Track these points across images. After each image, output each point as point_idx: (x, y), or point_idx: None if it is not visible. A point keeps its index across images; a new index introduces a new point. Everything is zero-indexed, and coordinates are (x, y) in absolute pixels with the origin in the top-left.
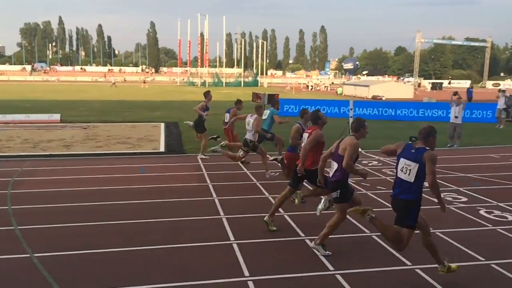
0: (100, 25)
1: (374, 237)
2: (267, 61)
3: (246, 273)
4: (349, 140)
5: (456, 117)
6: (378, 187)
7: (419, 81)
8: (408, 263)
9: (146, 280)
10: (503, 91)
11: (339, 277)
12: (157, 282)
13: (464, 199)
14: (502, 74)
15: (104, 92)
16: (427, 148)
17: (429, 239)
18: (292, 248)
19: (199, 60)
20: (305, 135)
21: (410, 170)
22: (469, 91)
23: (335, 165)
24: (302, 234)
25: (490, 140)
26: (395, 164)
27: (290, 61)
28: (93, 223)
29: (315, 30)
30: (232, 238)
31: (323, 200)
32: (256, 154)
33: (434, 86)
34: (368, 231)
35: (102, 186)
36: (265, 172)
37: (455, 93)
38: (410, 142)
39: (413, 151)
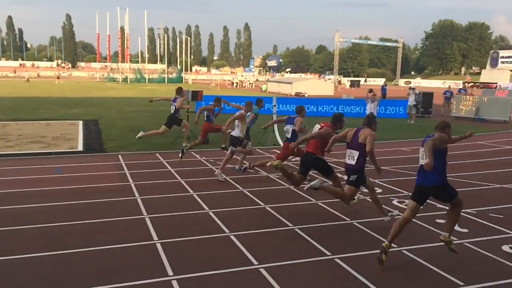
0: (10, 17)
1: (297, 230)
2: (192, 57)
3: (170, 272)
4: (368, 131)
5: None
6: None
7: (339, 79)
8: (328, 253)
9: (67, 286)
10: (413, 88)
11: (263, 271)
12: None
13: (380, 190)
14: (412, 73)
15: (15, 89)
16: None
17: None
18: (216, 244)
19: (119, 55)
20: (318, 126)
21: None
22: (383, 89)
23: (355, 153)
24: (226, 230)
25: (402, 134)
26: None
27: (215, 58)
28: (4, 228)
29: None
30: (155, 237)
31: (317, 180)
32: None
33: (353, 84)
34: (291, 224)
35: (13, 188)
36: (236, 166)
37: (370, 91)
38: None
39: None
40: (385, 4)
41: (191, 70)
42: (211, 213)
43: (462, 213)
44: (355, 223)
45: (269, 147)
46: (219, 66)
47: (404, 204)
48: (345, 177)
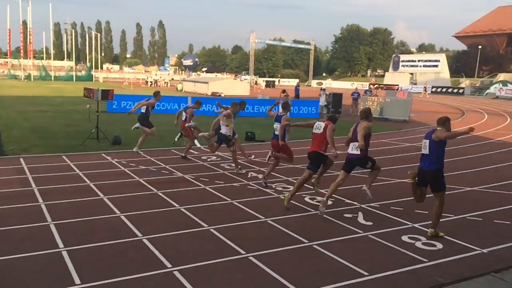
0: None
1: (212, 230)
2: (102, 54)
3: (77, 281)
4: (365, 123)
5: None
6: (216, 181)
7: (256, 79)
8: (242, 251)
9: None
10: (324, 89)
11: (177, 274)
12: None
13: (292, 188)
14: (324, 74)
15: None
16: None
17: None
18: (128, 249)
19: (22, 51)
20: (322, 124)
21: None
22: (296, 89)
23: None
24: (139, 234)
25: None
26: (231, 159)
27: (128, 56)
28: None
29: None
30: (61, 245)
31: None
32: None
33: (268, 84)
34: (206, 225)
35: None
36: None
37: (283, 91)
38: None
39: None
40: (298, 7)
41: (102, 67)
42: (122, 217)
43: (367, 207)
44: (269, 221)
45: (184, 148)
46: (132, 64)
47: (315, 200)
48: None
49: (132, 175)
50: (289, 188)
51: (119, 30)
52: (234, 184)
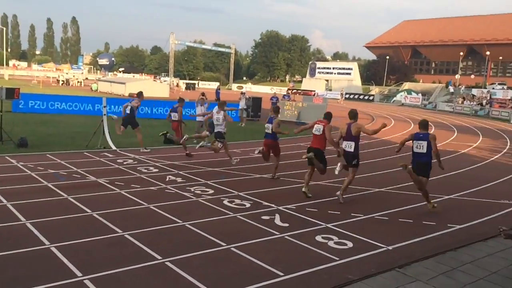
0: None
1: (127, 236)
2: (9, 50)
3: None
4: (357, 124)
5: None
6: (133, 185)
7: (177, 82)
8: (159, 257)
9: None
10: (244, 93)
11: (88, 282)
12: None
13: (211, 191)
14: (244, 78)
15: None
16: (429, 133)
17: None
18: (35, 259)
19: None
20: (320, 126)
21: (422, 146)
22: (217, 92)
23: (352, 143)
24: (46, 242)
25: (234, 137)
26: (151, 162)
27: (38, 52)
28: None
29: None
30: None
31: (339, 165)
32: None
33: (188, 86)
34: (120, 231)
35: None
36: (230, 160)
37: (202, 94)
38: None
39: (421, 135)
40: (219, 10)
41: (7, 64)
42: (28, 224)
43: (283, 209)
44: (187, 225)
45: (99, 150)
46: (42, 62)
47: (234, 203)
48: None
49: (40, 179)
50: (208, 191)
51: (28, 25)
52: (151, 188)
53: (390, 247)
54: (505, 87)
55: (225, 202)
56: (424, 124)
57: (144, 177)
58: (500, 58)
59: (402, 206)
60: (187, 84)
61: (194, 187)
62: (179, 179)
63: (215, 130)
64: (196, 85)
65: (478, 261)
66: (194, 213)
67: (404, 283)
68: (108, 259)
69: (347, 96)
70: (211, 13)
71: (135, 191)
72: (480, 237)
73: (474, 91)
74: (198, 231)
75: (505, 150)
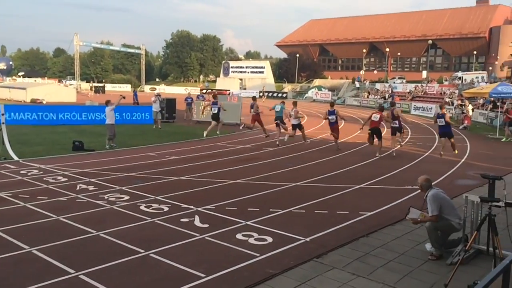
0: None
1: (35, 251)
2: None
3: None
4: (385, 113)
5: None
6: (39, 197)
7: (91, 85)
8: (71, 271)
9: None
10: (158, 95)
11: None
12: None
13: (127, 197)
14: (157, 79)
15: None
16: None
17: None
18: None
19: None
20: (377, 115)
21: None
22: (135, 94)
23: (396, 121)
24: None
25: (149, 140)
26: (59, 171)
27: None
28: None
29: None
30: None
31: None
32: None
33: (97, 90)
34: (27, 246)
35: None
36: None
37: (123, 97)
38: None
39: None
40: (126, 10)
41: None
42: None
43: (203, 210)
44: (102, 234)
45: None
46: None
47: (151, 208)
48: None
49: None
50: (123, 197)
51: None
52: (61, 198)
53: (307, 239)
54: (404, 81)
55: (142, 207)
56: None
57: (52, 187)
58: (399, 54)
59: (317, 198)
60: (95, 87)
61: (107, 195)
62: (91, 187)
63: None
64: (102, 88)
65: (387, 245)
66: (108, 222)
67: (322, 271)
68: (14, 278)
69: (261, 94)
70: (118, 12)
71: (42, 203)
72: (389, 221)
73: (378, 86)
74: (114, 239)
75: (407, 139)
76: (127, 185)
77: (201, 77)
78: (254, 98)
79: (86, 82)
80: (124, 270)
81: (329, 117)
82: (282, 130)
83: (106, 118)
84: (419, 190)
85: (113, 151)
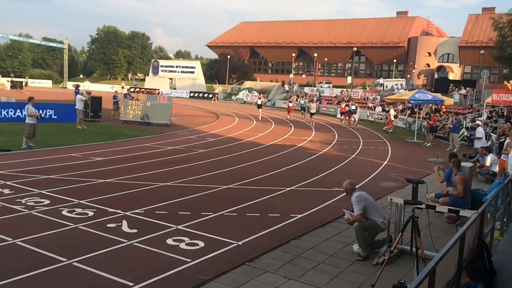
0: None
1: None
2: None
3: None
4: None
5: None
6: None
7: (10, 79)
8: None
9: None
10: (89, 93)
11: None
12: None
13: (47, 201)
14: (81, 76)
15: None
16: None
17: None
18: None
19: None
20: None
21: None
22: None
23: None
24: None
25: (72, 140)
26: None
27: None
28: None
29: None
30: None
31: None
32: None
33: (15, 85)
34: (10, 239)
35: None
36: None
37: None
38: None
39: None
40: (47, 2)
41: None
42: None
43: (131, 215)
44: (19, 242)
45: None
46: None
47: (75, 213)
48: None
49: None
50: (43, 202)
51: None
52: None
53: (240, 242)
54: (331, 85)
55: (64, 212)
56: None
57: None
58: (326, 59)
59: (249, 201)
60: (12, 82)
61: (25, 199)
62: (6, 191)
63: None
64: (24, 84)
65: (318, 246)
66: (27, 228)
67: (254, 276)
68: None
69: (191, 94)
70: (38, 4)
71: None
72: (318, 223)
73: (306, 89)
74: (33, 248)
75: (333, 142)
76: (48, 188)
77: (130, 75)
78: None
79: (2, 76)
80: (45, 282)
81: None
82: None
83: (26, 116)
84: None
85: (32, 151)
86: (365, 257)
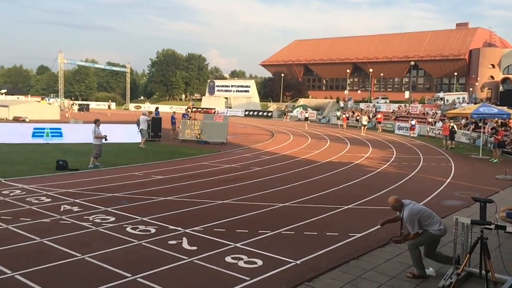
0: None
1: (18, 276)
2: None
3: None
4: None
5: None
6: (22, 218)
7: (72, 102)
8: (8, 272)
9: None
10: (151, 112)
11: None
12: None
13: (112, 218)
14: (142, 98)
15: None
16: None
17: None
18: None
19: None
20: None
21: None
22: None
23: None
24: None
25: (134, 159)
26: (42, 191)
27: None
28: None
29: None
30: None
31: None
32: None
33: (81, 108)
34: (9, 271)
35: None
36: None
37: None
38: None
39: None
40: (111, 29)
41: None
42: None
43: (191, 232)
44: (87, 258)
45: None
46: None
47: (138, 230)
48: None
49: None
50: (108, 219)
51: None
52: (44, 220)
53: (298, 261)
54: (387, 100)
55: (128, 229)
56: None
57: (35, 208)
58: (382, 74)
59: (306, 219)
60: (79, 105)
61: (92, 216)
62: (75, 208)
63: None
64: (108, 107)
65: (378, 267)
66: (94, 244)
67: None
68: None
69: (246, 113)
70: (103, 31)
71: (25, 225)
72: (378, 243)
73: (362, 105)
74: (100, 263)
75: (392, 159)
76: (113, 206)
77: (187, 95)
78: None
79: (70, 99)
80: None
81: None
82: None
83: (93, 137)
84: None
85: (98, 170)
86: (417, 276)
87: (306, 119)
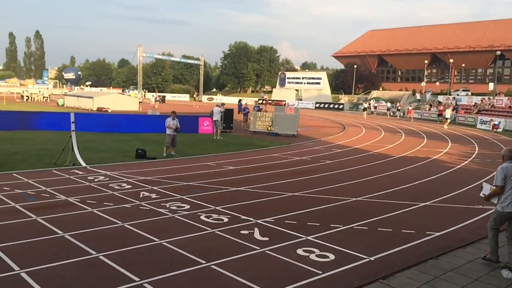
0: None
1: (102, 257)
2: None
3: None
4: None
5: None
6: (105, 203)
7: (156, 95)
8: (136, 278)
9: None
10: (219, 105)
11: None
12: None
13: (187, 206)
14: (214, 90)
15: None
16: None
17: None
18: (3, 286)
19: None
20: None
21: None
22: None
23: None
24: (16, 268)
25: (207, 149)
26: (123, 178)
27: (0, 67)
28: None
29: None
30: None
31: None
32: None
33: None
34: (94, 252)
35: None
36: None
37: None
38: None
39: None
40: (186, 23)
41: None
42: None
43: (262, 223)
44: (164, 243)
45: (68, 167)
46: (5, 77)
47: (211, 218)
48: None
49: (7, 200)
50: (184, 206)
51: None
52: (125, 205)
53: (372, 258)
54: (469, 93)
55: (202, 217)
56: None
57: (117, 194)
58: (463, 65)
59: (380, 215)
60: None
61: (169, 203)
62: (153, 195)
63: None
64: (194, 99)
65: (459, 269)
66: (170, 230)
67: None
68: (82, 283)
69: (317, 105)
70: (179, 25)
71: (108, 209)
72: (459, 243)
73: (440, 98)
74: (176, 249)
75: (474, 155)
76: (188, 194)
77: (258, 87)
78: None
79: (148, 91)
80: (187, 280)
81: None
82: None
83: (166, 128)
84: (492, 210)
85: (173, 160)
86: (487, 259)
87: (365, 109)
